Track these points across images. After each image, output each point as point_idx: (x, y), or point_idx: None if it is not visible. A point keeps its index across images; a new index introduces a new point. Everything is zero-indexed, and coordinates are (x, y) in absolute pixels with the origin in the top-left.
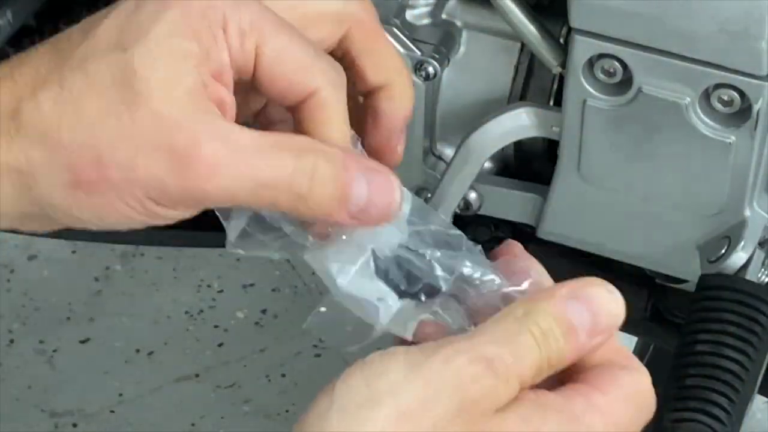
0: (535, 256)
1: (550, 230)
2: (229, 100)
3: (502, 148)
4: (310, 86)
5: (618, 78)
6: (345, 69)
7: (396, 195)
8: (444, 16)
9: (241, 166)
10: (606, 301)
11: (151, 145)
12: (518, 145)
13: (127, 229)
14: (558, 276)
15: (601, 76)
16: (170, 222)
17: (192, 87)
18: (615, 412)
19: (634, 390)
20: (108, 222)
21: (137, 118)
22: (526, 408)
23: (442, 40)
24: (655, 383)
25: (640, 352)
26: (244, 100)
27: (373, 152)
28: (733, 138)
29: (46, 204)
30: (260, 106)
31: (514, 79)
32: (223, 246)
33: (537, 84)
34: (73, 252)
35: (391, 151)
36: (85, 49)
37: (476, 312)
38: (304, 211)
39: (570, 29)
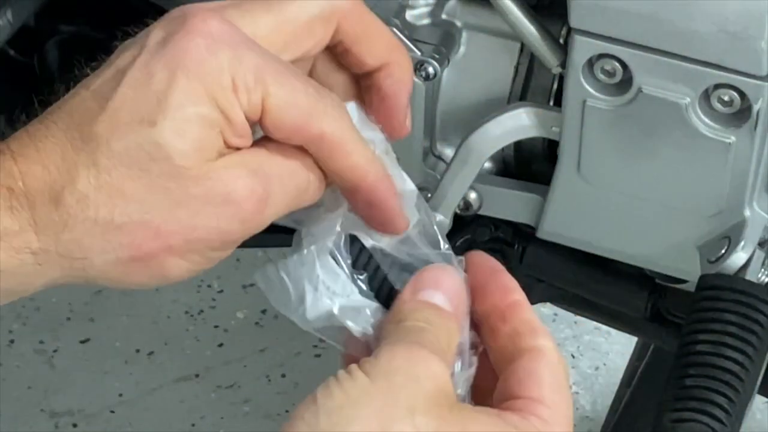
0: (536, 256)
1: (550, 230)
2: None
3: (502, 148)
4: (317, 131)
5: (618, 78)
6: (340, 56)
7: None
8: (444, 16)
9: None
10: (442, 273)
11: (204, 205)
12: (518, 145)
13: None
14: (558, 276)
15: (601, 76)
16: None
17: (221, 148)
18: (556, 413)
19: (554, 380)
20: (160, 281)
21: (182, 187)
22: (489, 413)
23: (442, 40)
24: (655, 383)
25: (639, 353)
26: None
27: (383, 130)
28: (733, 138)
29: (100, 278)
30: None
31: (514, 79)
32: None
33: (537, 84)
34: None
35: (400, 125)
36: (108, 126)
37: None
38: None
39: (570, 29)
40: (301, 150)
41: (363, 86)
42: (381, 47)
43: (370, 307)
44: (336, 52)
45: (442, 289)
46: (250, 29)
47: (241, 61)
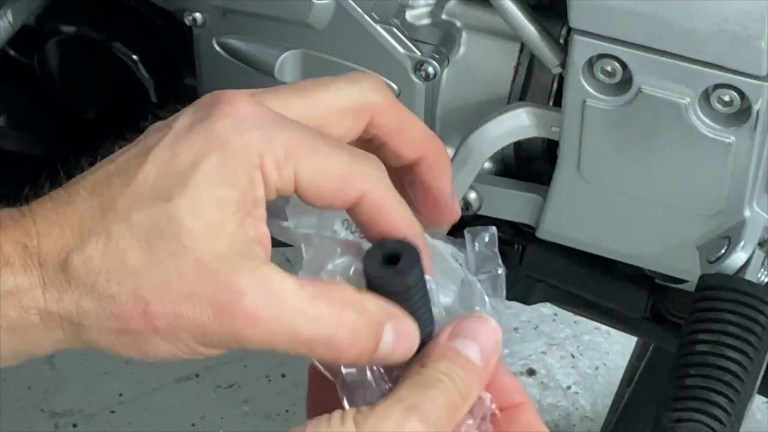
0: (536, 256)
1: (550, 230)
2: (264, 230)
3: (502, 148)
4: (356, 192)
5: (618, 78)
6: (376, 150)
7: (415, 341)
8: (444, 16)
9: (283, 319)
10: (482, 325)
11: (195, 294)
12: (518, 145)
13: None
14: (558, 276)
15: (601, 77)
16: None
17: (232, 233)
18: None
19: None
20: (154, 359)
21: (182, 269)
22: None
23: (442, 40)
24: (655, 383)
25: (639, 353)
26: None
27: (433, 220)
28: (733, 138)
29: (94, 344)
30: None
31: (514, 79)
32: None
33: (537, 84)
34: None
35: (450, 212)
36: (128, 199)
37: None
38: (335, 360)
39: (570, 29)
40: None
41: (406, 182)
42: (416, 140)
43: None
44: (373, 146)
45: (478, 341)
46: (281, 111)
47: (271, 138)
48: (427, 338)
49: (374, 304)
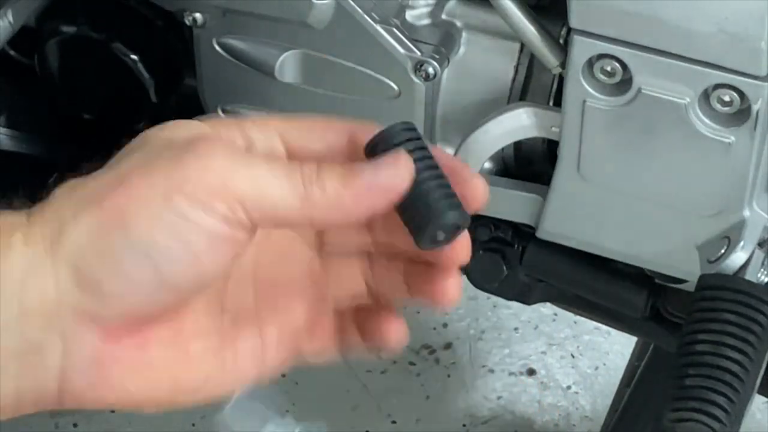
0: (536, 256)
1: (550, 230)
2: None
3: (502, 148)
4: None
5: (618, 78)
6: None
7: (403, 165)
8: (444, 16)
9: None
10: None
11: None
12: (518, 145)
13: None
14: (558, 276)
15: (601, 77)
16: None
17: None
18: None
19: None
20: None
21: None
22: None
23: (442, 40)
24: (655, 383)
25: (639, 352)
26: None
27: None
28: (733, 138)
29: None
30: None
31: (514, 79)
32: None
33: (537, 84)
34: None
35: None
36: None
37: None
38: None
39: (570, 29)
40: None
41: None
42: None
43: None
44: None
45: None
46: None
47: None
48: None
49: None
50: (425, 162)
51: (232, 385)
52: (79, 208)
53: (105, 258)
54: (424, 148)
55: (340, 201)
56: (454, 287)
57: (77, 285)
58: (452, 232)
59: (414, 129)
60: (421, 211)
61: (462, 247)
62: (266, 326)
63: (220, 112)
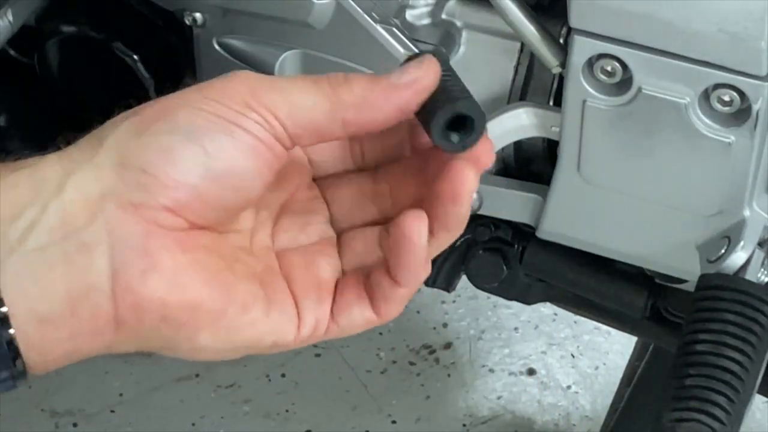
0: (536, 256)
1: (550, 230)
2: None
3: (502, 148)
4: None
5: (618, 78)
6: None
7: (430, 65)
8: (444, 16)
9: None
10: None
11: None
12: (518, 145)
13: None
14: (558, 276)
15: (601, 76)
16: None
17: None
18: None
19: None
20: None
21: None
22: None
23: (442, 40)
24: (655, 383)
25: (639, 352)
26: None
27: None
28: (733, 138)
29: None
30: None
31: (514, 79)
32: None
33: (537, 84)
34: None
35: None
36: None
37: None
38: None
39: (570, 29)
40: None
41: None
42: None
43: None
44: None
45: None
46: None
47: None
48: None
49: None
50: (451, 75)
51: (271, 331)
52: (116, 122)
53: (149, 144)
54: (450, 69)
55: (370, 99)
56: (472, 177)
57: (120, 178)
58: (467, 135)
59: (444, 53)
60: (438, 102)
61: (483, 148)
62: (297, 289)
63: None
